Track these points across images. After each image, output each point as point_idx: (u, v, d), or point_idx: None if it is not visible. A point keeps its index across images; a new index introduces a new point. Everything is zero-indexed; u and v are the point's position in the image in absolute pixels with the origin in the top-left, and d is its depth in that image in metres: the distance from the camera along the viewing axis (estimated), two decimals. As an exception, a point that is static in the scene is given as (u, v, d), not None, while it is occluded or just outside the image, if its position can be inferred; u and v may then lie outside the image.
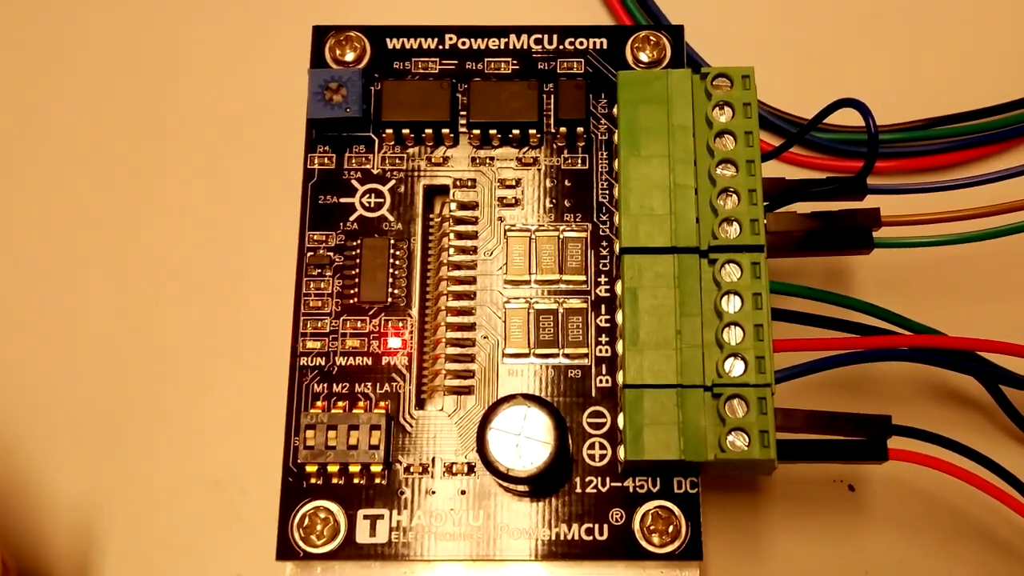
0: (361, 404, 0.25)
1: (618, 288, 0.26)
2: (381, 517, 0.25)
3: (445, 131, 0.27)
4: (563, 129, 0.27)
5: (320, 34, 0.28)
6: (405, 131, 0.27)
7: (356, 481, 0.25)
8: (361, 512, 0.25)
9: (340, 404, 0.25)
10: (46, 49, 0.33)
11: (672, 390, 0.24)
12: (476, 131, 0.27)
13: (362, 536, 0.25)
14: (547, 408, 0.23)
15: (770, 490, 0.29)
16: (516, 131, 0.27)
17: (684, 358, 0.24)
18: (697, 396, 0.24)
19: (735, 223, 0.25)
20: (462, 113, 0.28)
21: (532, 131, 0.27)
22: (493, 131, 0.27)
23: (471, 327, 0.26)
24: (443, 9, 0.33)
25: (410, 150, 0.28)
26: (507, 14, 0.31)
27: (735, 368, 0.24)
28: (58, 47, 0.33)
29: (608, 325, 0.26)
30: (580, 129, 0.27)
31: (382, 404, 0.26)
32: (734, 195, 0.25)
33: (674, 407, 0.23)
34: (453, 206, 0.27)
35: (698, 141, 0.25)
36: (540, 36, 0.28)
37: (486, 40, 0.28)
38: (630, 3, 0.32)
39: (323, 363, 0.26)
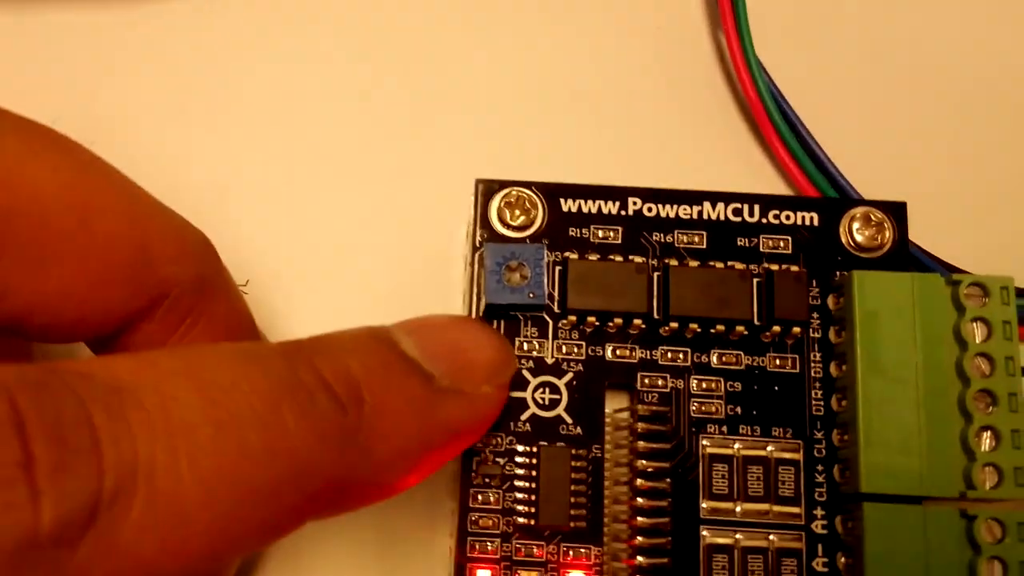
0: (539, 652, 0.22)
1: (838, 524, 0.22)
2: None
3: (637, 321, 0.23)
4: (776, 328, 0.23)
5: (487, 190, 0.24)
6: (590, 319, 0.23)
7: None
8: None
9: (514, 651, 0.22)
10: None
11: None
12: (674, 324, 0.23)
13: None
14: None
15: None
16: (721, 327, 0.23)
17: (941, 636, 0.20)
18: None
19: (992, 469, 0.21)
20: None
21: (739, 327, 0.23)
22: (693, 324, 0.23)
23: (665, 567, 0.22)
24: (600, 165, 0.28)
25: (590, 337, 0.24)
26: (674, 174, 0.27)
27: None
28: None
29: (826, 571, 0.22)
30: (796, 329, 0.23)
31: (562, 651, 0.22)
32: (991, 434, 0.21)
33: None
34: (642, 411, 0.23)
35: (948, 362, 0.22)
36: (739, 206, 0.25)
37: (676, 207, 0.25)
38: (808, 166, 0.27)
39: (495, 597, 0.22)
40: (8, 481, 0.13)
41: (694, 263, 0.24)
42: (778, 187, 0.28)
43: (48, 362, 0.15)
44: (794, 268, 0.24)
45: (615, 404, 0.24)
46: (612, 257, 0.24)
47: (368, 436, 0.17)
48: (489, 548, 0.22)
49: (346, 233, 0.27)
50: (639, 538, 0.22)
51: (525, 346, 0.24)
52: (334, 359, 0.17)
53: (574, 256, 0.24)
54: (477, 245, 0.24)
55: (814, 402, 0.23)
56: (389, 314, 0.26)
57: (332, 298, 0.27)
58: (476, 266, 0.24)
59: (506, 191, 0.24)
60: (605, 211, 0.25)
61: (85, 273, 0.18)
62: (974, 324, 0.22)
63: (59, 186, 0.18)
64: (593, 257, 0.24)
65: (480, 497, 0.23)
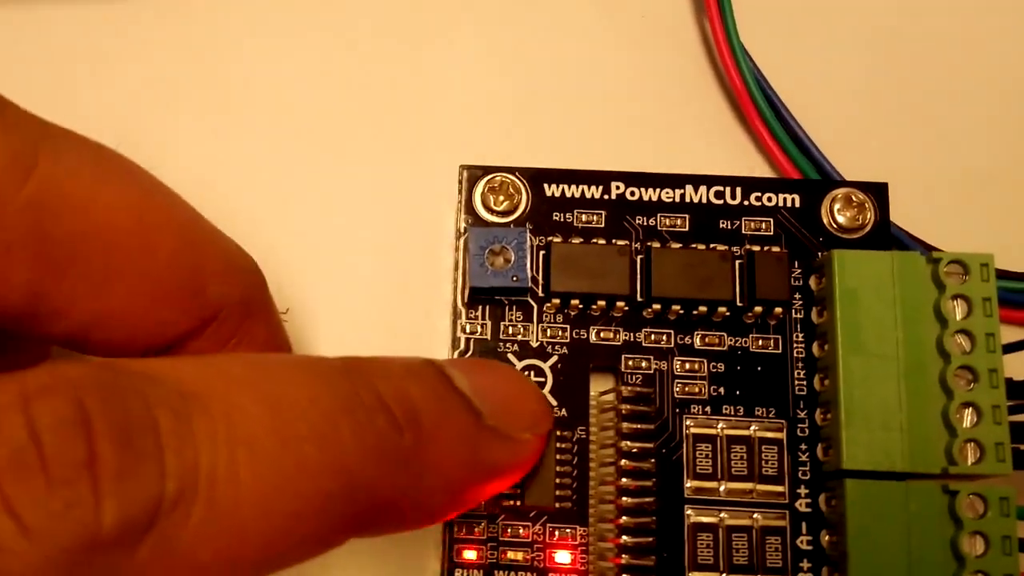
0: (527, 631, 0.22)
1: (822, 502, 0.22)
2: None
3: (620, 303, 0.23)
4: (758, 308, 0.23)
5: (471, 176, 0.24)
6: (574, 302, 0.23)
7: None
8: None
9: (501, 630, 0.22)
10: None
11: (911, 650, 0.20)
12: (656, 305, 0.23)
13: None
14: None
15: None
16: (703, 308, 0.23)
17: (922, 608, 0.20)
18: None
19: (974, 445, 0.21)
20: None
21: (721, 308, 0.23)
22: (676, 306, 0.23)
23: (649, 546, 0.22)
24: (585, 150, 0.29)
25: (574, 320, 0.24)
26: (659, 159, 0.28)
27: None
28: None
29: (811, 548, 0.22)
30: (778, 309, 0.23)
31: (549, 630, 0.22)
32: (972, 410, 0.21)
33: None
34: (626, 392, 0.23)
35: (928, 339, 0.22)
36: (721, 189, 0.25)
37: (658, 191, 0.25)
38: (791, 149, 0.28)
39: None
40: (73, 481, 0.13)
41: (676, 245, 0.24)
42: (763, 170, 0.28)
43: (115, 360, 0.15)
44: (775, 249, 0.24)
45: (600, 387, 0.24)
46: (595, 241, 0.24)
47: (421, 461, 0.17)
48: (475, 530, 0.22)
49: (334, 220, 0.27)
50: (624, 518, 0.22)
51: (510, 330, 0.24)
52: (394, 382, 0.18)
53: (558, 240, 0.24)
54: (461, 231, 0.24)
55: (797, 382, 0.23)
56: (379, 300, 0.26)
57: (320, 285, 0.27)
58: (461, 251, 0.24)
59: (490, 176, 0.24)
60: (588, 195, 0.25)
61: (144, 293, 0.19)
62: (954, 301, 0.22)
63: (127, 211, 0.19)
64: (576, 241, 0.24)
65: (466, 479, 0.23)
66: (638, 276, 0.24)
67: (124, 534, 0.13)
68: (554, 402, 0.23)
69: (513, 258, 0.23)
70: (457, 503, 0.19)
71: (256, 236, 0.25)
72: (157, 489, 0.14)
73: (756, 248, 0.24)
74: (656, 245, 0.24)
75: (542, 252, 0.24)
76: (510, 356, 0.24)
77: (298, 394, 0.16)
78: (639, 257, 0.24)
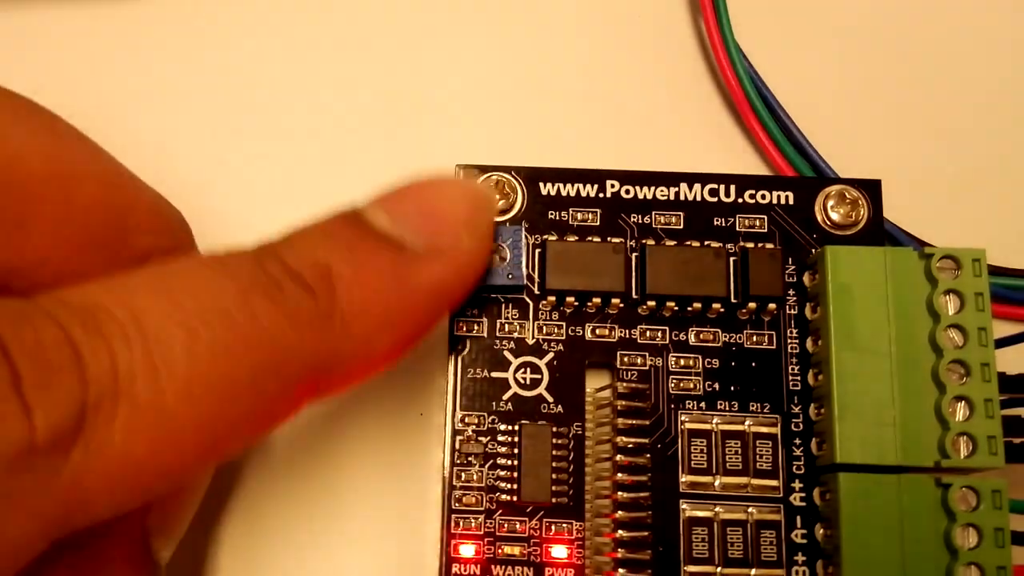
0: (524, 625, 0.22)
1: (816, 496, 0.22)
2: None
3: (615, 300, 0.24)
4: (752, 304, 0.24)
5: (467, 176, 0.25)
6: (569, 299, 0.24)
7: None
8: None
9: (499, 624, 0.22)
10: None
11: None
12: (651, 302, 0.24)
13: None
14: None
15: None
16: (697, 305, 0.24)
17: (914, 598, 0.20)
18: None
19: (967, 439, 0.21)
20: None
21: (716, 305, 0.24)
22: (670, 303, 0.24)
23: (645, 540, 0.22)
24: (580, 149, 0.29)
25: (569, 317, 0.24)
26: (654, 157, 0.28)
27: (977, 607, 0.20)
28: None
29: (805, 542, 0.22)
30: (772, 305, 0.24)
31: (546, 625, 0.22)
32: (965, 404, 0.21)
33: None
34: (621, 388, 0.23)
35: (921, 334, 0.22)
36: (716, 186, 0.25)
37: (653, 188, 0.25)
38: (787, 148, 0.28)
39: (478, 572, 0.22)
40: (1, 398, 0.14)
41: (671, 243, 0.24)
42: (758, 168, 0.28)
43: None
44: (769, 246, 0.24)
45: (596, 383, 0.24)
46: (590, 239, 0.24)
47: (344, 314, 0.18)
48: (473, 524, 0.23)
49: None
50: (620, 512, 0.23)
51: (506, 327, 0.24)
52: (300, 249, 0.18)
53: (553, 238, 0.24)
54: (458, 229, 0.24)
55: (791, 377, 0.24)
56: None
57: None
58: (456, 249, 0.24)
59: (486, 176, 0.25)
60: (584, 194, 0.25)
61: (65, 239, 0.19)
62: (946, 296, 0.22)
63: (40, 154, 0.19)
64: (572, 239, 0.24)
65: (463, 475, 0.23)
66: (633, 273, 0.24)
67: (56, 439, 0.14)
68: (550, 399, 0.23)
69: (509, 256, 0.23)
70: (405, 333, 0.19)
71: (251, 236, 0.25)
72: (79, 395, 0.15)
73: (750, 245, 0.24)
74: (651, 243, 0.24)
75: (538, 250, 0.24)
76: (506, 354, 0.24)
77: (202, 284, 0.17)
78: (634, 255, 0.24)
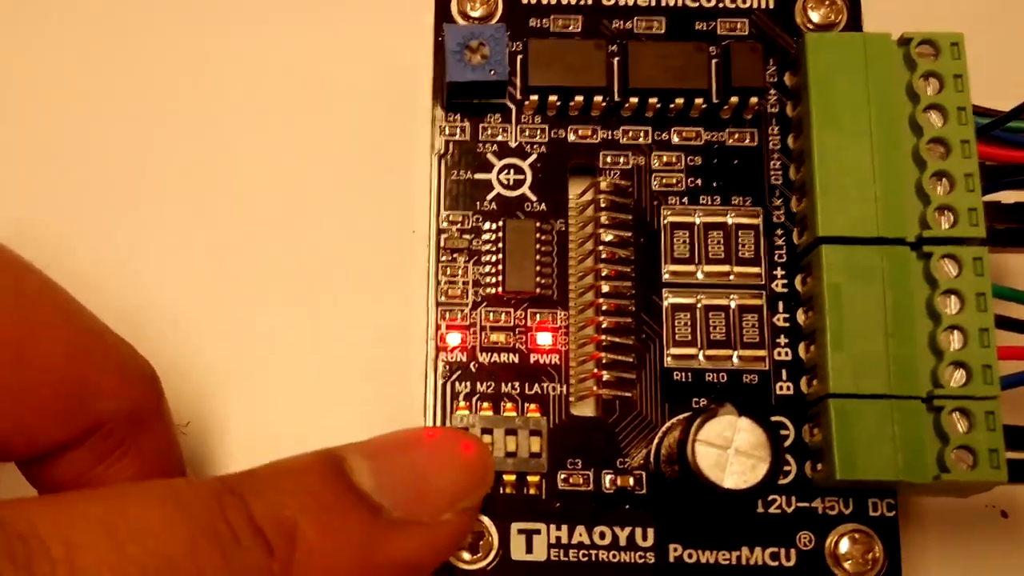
0: (509, 406, 0.22)
1: (798, 283, 0.23)
2: (537, 532, 0.21)
3: (597, 99, 0.24)
4: (733, 99, 0.24)
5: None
6: (552, 98, 0.24)
7: (509, 491, 0.22)
8: (516, 526, 0.21)
9: (485, 405, 0.22)
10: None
11: (886, 401, 0.20)
12: (634, 99, 0.24)
13: (517, 553, 0.21)
14: (758, 418, 0.19)
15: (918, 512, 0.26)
16: (679, 100, 0.24)
17: (897, 365, 0.21)
18: (914, 408, 0.21)
19: (948, 212, 0.21)
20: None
21: (698, 100, 0.24)
22: (652, 100, 0.24)
23: (629, 325, 0.23)
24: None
25: (552, 120, 0.24)
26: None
27: (956, 377, 0.21)
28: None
29: (787, 325, 0.23)
30: (753, 100, 0.24)
31: (531, 407, 0.22)
32: (946, 180, 0.22)
33: (890, 421, 0.20)
34: (604, 186, 0.23)
35: (900, 116, 0.22)
36: (697, -8, 0.25)
37: (635, -5, 0.25)
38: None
39: (464, 359, 0.22)
40: None
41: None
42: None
43: None
44: (750, 42, 0.24)
45: (579, 188, 0.24)
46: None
47: None
48: (459, 316, 0.23)
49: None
50: (602, 300, 0.23)
51: (488, 131, 0.24)
52: (269, 496, 0.17)
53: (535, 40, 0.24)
54: (439, 38, 0.24)
55: (772, 172, 0.24)
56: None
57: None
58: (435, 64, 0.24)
59: (466, -16, 0.25)
60: (564, 1, 0.25)
61: (18, 405, 0.18)
62: (926, 80, 0.22)
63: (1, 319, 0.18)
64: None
65: (448, 270, 0.23)
66: (615, 71, 0.24)
67: None
68: (534, 198, 0.24)
69: (490, 53, 0.23)
70: None
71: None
72: None
73: (731, 41, 0.24)
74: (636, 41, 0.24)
75: (519, 57, 0.24)
76: (490, 156, 0.24)
77: (151, 524, 0.15)
78: (616, 59, 0.24)
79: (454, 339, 0.23)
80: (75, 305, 0.19)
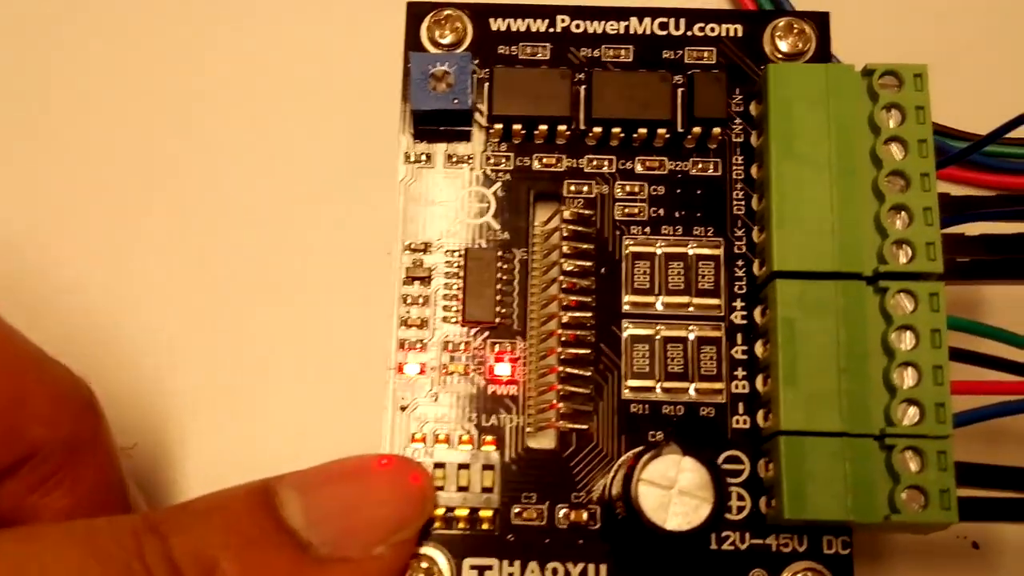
0: (465, 438, 0.22)
1: (757, 315, 0.23)
2: (490, 568, 0.22)
3: (561, 128, 0.24)
4: (696, 129, 0.24)
5: (416, 12, 0.25)
6: (516, 127, 0.24)
7: (461, 527, 0.22)
8: (468, 561, 0.21)
9: (441, 437, 0.22)
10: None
11: (838, 439, 0.20)
12: (597, 128, 0.24)
13: (468, 588, 0.22)
14: (702, 457, 0.19)
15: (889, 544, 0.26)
16: (643, 130, 0.24)
17: (850, 402, 0.21)
18: (866, 447, 0.20)
19: (906, 246, 0.21)
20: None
21: (661, 130, 0.24)
22: (616, 129, 0.24)
23: (588, 357, 0.23)
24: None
25: (517, 148, 0.24)
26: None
27: (909, 415, 0.20)
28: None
29: (745, 358, 0.23)
30: (716, 130, 0.24)
31: (488, 439, 0.22)
32: (904, 213, 0.22)
33: (841, 459, 0.20)
34: (567, 215, 0.23)
35: (861, 148, 0.22)
36: (666, 20, 0.25)
37: (603, 23, 0.25)
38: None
39: (424, 387, 0.23)
40: None
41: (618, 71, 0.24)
42: (718, 2, 0.28)
43: None
44: (714, 71, 0.24)
45: (544, 216, 0.24)
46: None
47: None
48: (419, 345, 0.23)
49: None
50: (562, 331, 0.23)
51: (454, 159, 0.24)
52: (194, 533, 0.17)
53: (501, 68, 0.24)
54: (407, 66, 0.24)
55: (735, 202, 0.24)
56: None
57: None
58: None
59: (435, 11, 0.25)
60: (534, 29, 0.25)
61: None
62: (888, 112, 0.22)
63: None
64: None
65: (408, 298, 0.23)
66: (580, 101, 0.24)
67: None
68: (497, 226, 0.24)
69: (455, 82, 0.23)
70: None
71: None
72: None
73: (696, 71, 0.24)
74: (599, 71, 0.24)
75: (487, 83, 0.24)
76: (454, 183, 0.24)
77: (63, 569, 0.15)
78: (582, 87, 0.24)
79: (412, 368, 0.23)
80: (7, 329, 0.19)
